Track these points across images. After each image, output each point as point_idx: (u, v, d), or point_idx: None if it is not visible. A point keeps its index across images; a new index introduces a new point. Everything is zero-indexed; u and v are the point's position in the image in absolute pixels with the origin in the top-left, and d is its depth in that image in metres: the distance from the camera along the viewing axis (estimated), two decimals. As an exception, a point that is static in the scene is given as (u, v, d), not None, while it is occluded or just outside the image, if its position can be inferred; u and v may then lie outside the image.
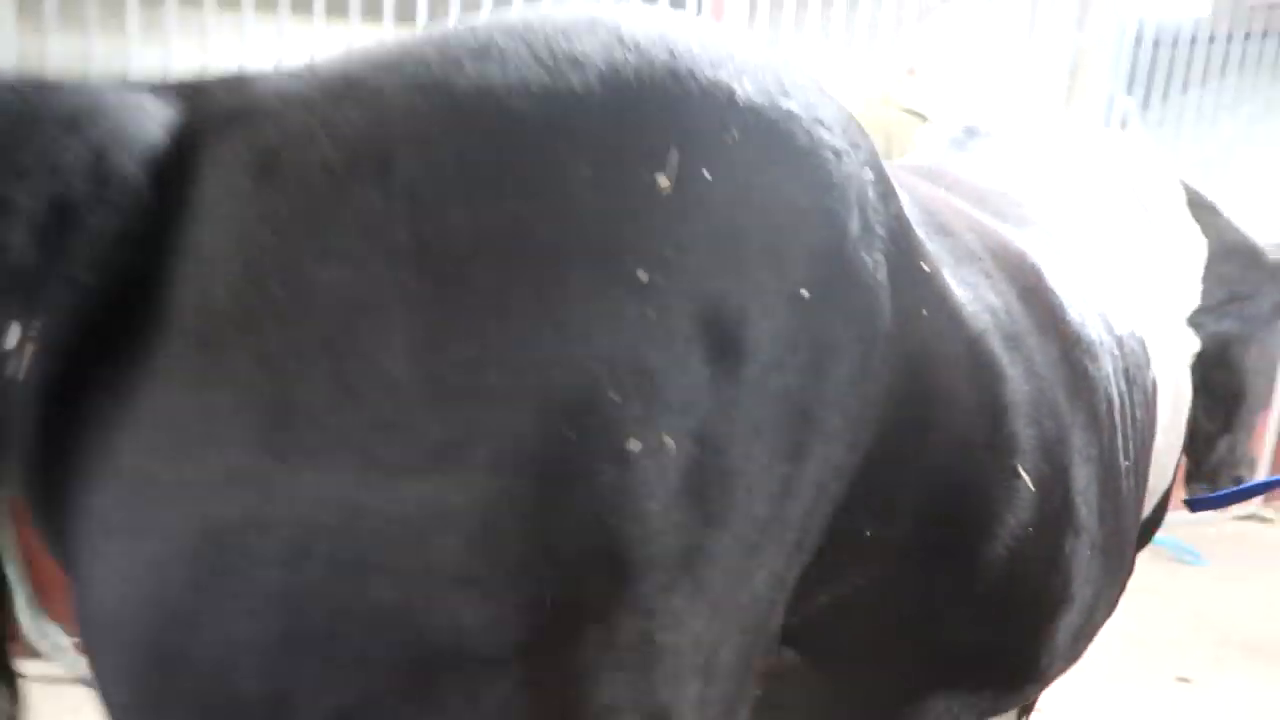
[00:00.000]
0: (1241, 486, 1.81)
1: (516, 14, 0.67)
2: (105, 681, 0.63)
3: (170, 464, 0.58)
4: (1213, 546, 3.47)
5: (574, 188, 0.59)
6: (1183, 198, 1.75)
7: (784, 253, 0.65)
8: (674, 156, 0.61)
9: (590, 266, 0.59)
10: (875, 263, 0.71)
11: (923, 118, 2.65)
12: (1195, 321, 1.63)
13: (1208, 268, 1.72)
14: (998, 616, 0.96)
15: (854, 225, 0.70)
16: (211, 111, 0.63)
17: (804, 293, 0.65)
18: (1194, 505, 1.81)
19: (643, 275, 0.59)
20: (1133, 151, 1.73)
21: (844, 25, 3.03)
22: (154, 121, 0.61)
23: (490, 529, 0.57)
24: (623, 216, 0.60)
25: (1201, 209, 1.75)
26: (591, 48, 0.63)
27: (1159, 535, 1.63)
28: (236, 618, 0.57)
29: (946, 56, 2.74)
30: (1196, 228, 1.76)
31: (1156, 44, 3.46)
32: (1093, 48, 3.23)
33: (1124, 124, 4.04)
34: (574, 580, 0.59)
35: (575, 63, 0.62)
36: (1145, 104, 3.55)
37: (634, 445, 0.59)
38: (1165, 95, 3.70)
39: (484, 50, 0.63)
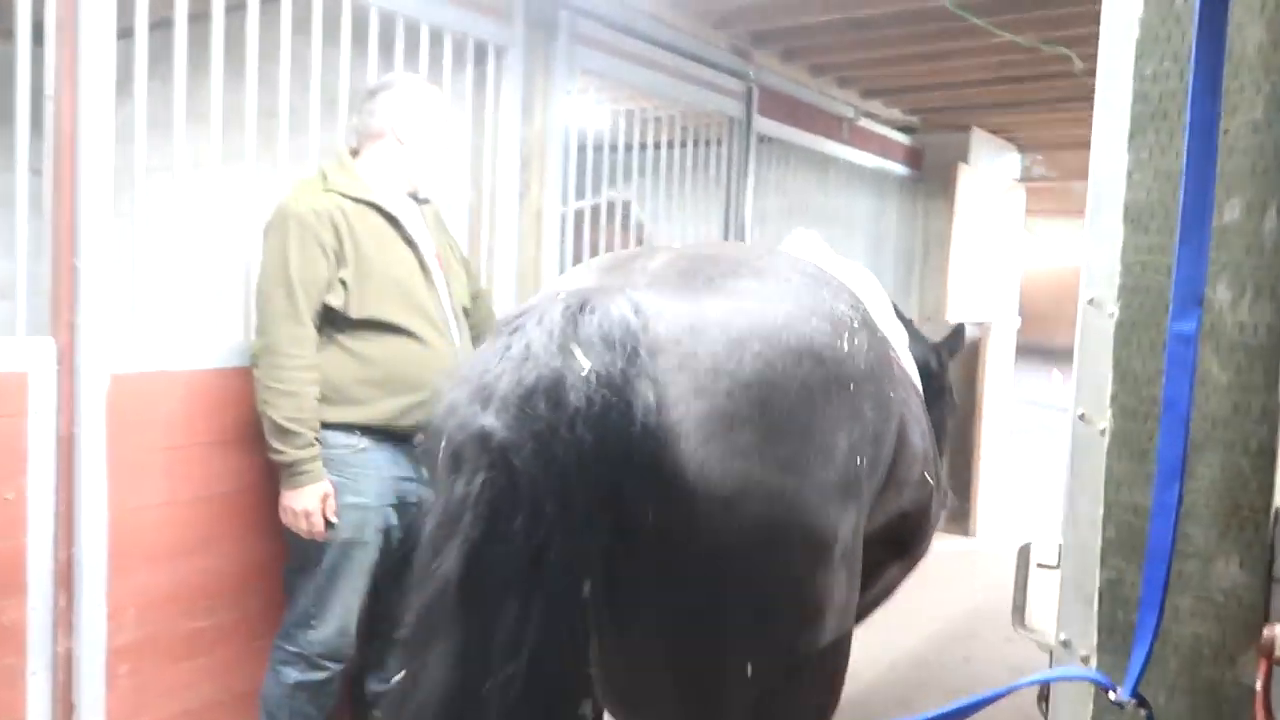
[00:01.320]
0: None
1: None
2: None
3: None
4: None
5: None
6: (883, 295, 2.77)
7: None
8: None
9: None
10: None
11: (374, 204, 2.62)
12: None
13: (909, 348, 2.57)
14: (916, 524, 2.06)
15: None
16: None
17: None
18: None
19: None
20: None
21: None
22: None
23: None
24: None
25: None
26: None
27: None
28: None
29: (402, 133, 2.74)
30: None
31: (582, 148, 4.02)
32: (539, 142, 3.65)
33: (627, 215, 4.60)
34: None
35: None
36: (579, 197, 4.10)
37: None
38: (596, 191, 4.34)
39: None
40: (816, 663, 1.56)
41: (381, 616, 2.70)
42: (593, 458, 1.27)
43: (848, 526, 1.54)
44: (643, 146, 4.58)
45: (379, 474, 2.62)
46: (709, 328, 1.43)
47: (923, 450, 1.86)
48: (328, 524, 2.54)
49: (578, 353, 1.30)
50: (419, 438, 2.46)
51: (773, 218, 5.37)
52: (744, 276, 1.56)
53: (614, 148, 4.38)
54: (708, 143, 4.85)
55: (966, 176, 6.69)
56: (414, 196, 2.84)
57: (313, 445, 2.51)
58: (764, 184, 5.25)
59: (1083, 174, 1.37)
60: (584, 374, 1.28)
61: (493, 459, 1.27)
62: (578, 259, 4.04)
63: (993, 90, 6.08)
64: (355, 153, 2.80)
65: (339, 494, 2.56)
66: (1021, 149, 7.80)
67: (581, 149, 3.98)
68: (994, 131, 7.25)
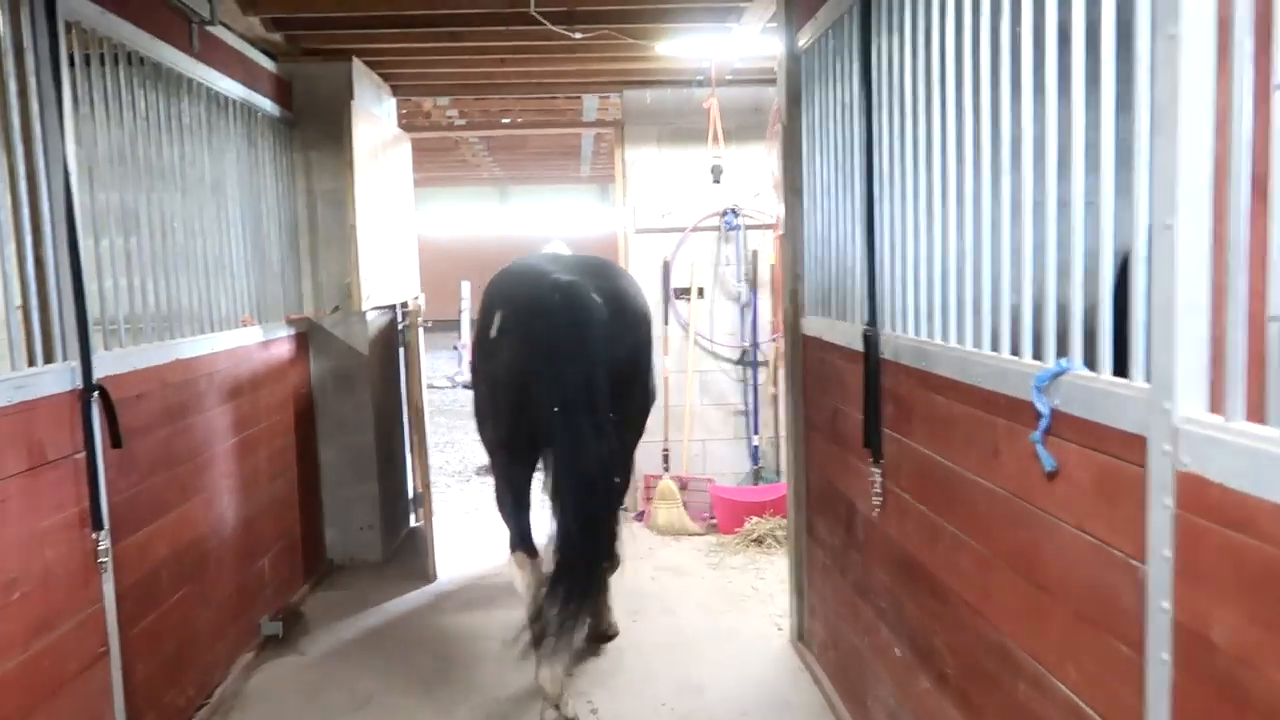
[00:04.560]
0: None
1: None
2: None
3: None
4: None
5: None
6: None
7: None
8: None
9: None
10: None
11: None
12: None
13: None
14: (642, 395, 4.07)
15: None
16: None
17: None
18: None
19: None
20: None
21: None
22: None
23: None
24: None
25: None
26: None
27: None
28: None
29: None
30: None
31: None
32: None
33: None
34: None
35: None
36: None
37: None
38: None
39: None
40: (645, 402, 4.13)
41: None
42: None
43: (646, 362, 4.05)
44: None
45: None
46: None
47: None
48: None
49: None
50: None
51: (101, 170, 3.18)
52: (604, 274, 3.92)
53: None
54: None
55: (361, 121, 5.12)
56: None
57: None
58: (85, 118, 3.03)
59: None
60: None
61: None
62: None
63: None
64: None
65: None
66: (396, 91, 6.46)
67: None
68: (371, 65, 5.77)
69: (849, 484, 3.32)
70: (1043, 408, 1.83)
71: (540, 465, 3.76)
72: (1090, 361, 1.76)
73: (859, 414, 3.03)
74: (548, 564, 3.52)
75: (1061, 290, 1.87)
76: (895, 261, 2.81)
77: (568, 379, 3.45)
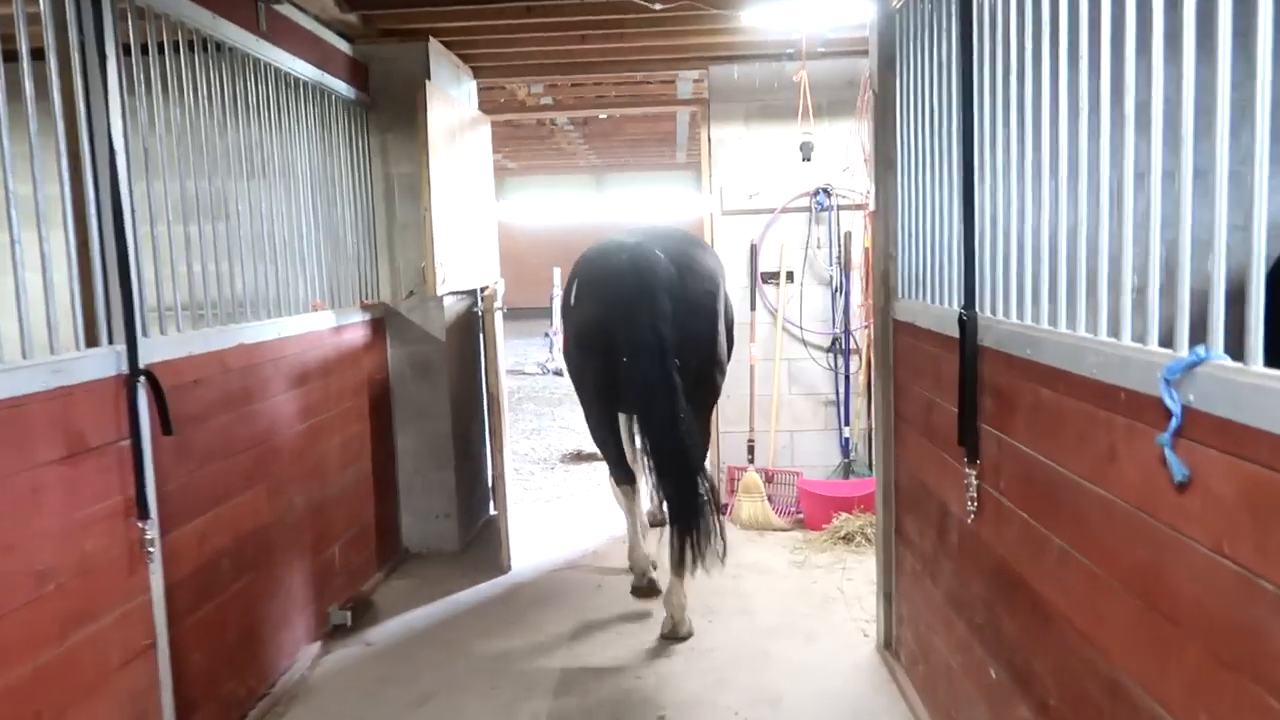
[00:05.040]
0: None
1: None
2: None
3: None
4: None
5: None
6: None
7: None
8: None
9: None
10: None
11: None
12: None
13: None
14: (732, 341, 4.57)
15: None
16: None
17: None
18: None
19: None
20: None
21: None
22: None
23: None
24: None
25: None
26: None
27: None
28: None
29: None
30: None
31: None
32: None
33: None
34: None
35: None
36: None
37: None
38: None
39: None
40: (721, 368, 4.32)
41: None
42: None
43: (716, 315, 4.20)
44: None
45: None
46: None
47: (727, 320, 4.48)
48: None
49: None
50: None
51: (158, 153, 3.11)
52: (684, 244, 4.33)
53: None
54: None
55: (437, 103, 5.00)
56: None
57: None
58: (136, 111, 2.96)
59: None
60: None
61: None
62: None
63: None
64: None
65: None
66: (477, 73, 6.34)
67: None
68: (449, 45, 5.65)
69: (942, 483, 3.02)
70: (1173, 405, 1.52)
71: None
72: (1234, 351, 1.45)
73: (953, 407, 2.72)
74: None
75: (1198, 268, 1.56)
76: (997, 237, 2.49)
77: (635, 330, 3.88)
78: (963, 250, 2.63)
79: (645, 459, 3.99)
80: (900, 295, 3.61)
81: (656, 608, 4.44)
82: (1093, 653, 1.93)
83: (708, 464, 4.43)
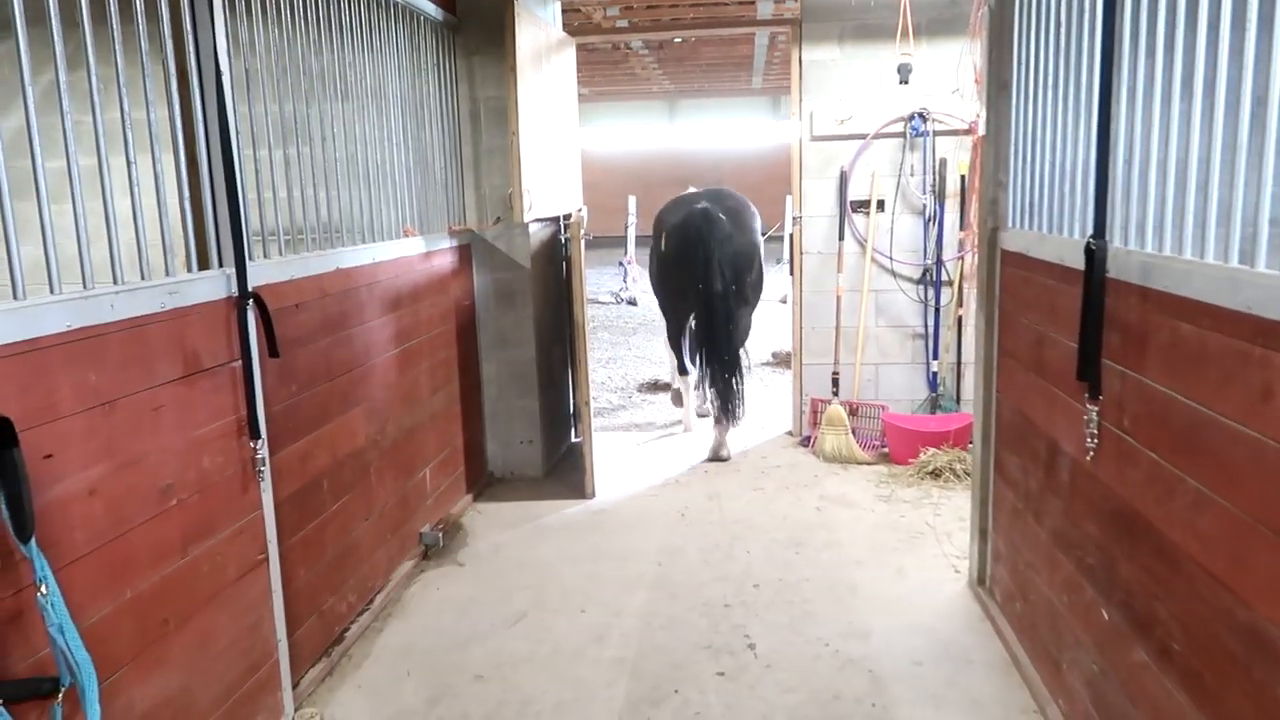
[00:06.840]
0: None
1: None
2: None
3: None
4: None
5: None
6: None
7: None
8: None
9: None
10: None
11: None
12: None
13: None
14: (756, 275, 6.15)
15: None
16: None
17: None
18: None
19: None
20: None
21: None
22: None
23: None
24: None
25: None
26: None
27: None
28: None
29: None
30: None
31: None
32: None
33: None
34: None
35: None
36: None
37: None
38: None
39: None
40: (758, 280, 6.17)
41: None
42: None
43: (760, 262, 6.15)
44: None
45: None
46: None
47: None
48: None
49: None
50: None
51: (258, 75, 3.10)
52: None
53: None
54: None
55: (525, 23, 4.89)
56: None
57: None
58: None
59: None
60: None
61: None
62: None
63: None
64: None
65: None
66: (561, -6, 6.18)
67: None
68: (535, -35, 5.50)
69: (1052, 420, 2.91)
70: (1354, 342, 1.41)
71: (693, 322, 6.19)
72: None
73: (1071, 342, 2.60)
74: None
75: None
76: (1133, 164, 2.34)
77: (707, 264, 5.75)
78: (1095, 175, 2.48)
79: (703, 349, 5.87)
80: (1010, 224, 3.45)
81: (739, 551, 4.45)
82: (1229, 599, 1.84)
83: (741, 353, 6.06)
